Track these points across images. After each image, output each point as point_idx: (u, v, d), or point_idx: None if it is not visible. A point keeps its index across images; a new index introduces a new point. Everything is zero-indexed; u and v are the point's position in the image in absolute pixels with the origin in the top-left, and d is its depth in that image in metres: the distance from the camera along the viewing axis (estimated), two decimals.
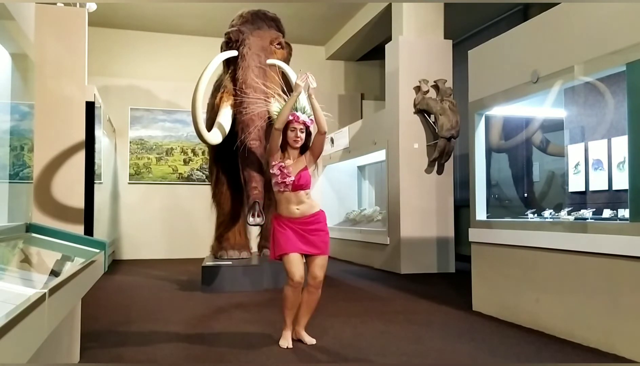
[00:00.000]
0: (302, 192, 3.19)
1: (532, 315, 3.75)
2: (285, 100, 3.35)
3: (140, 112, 9.18)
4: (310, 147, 3.27)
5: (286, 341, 3.21)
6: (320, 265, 3.20)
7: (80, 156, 4.35)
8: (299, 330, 3.32)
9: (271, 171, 3.23)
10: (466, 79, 4.72)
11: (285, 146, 3.24)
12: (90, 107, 4.94)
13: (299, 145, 3.21)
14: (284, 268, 3.18)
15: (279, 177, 3.15)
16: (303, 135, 3.21)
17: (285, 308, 3.22)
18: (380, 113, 8.01)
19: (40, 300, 1.20)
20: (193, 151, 9.39)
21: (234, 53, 5.35)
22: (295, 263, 3.14)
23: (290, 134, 3.19)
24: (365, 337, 3.44)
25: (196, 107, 4.90)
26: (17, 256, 2.11)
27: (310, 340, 3.29)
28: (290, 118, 3.18)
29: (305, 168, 3.20)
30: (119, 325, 3.82)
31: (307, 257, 3.23)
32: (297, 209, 3.18)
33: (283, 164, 3.17)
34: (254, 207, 5.00)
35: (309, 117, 3.24)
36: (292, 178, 3.14)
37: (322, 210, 3.29)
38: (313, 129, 3.30)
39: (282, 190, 3.17)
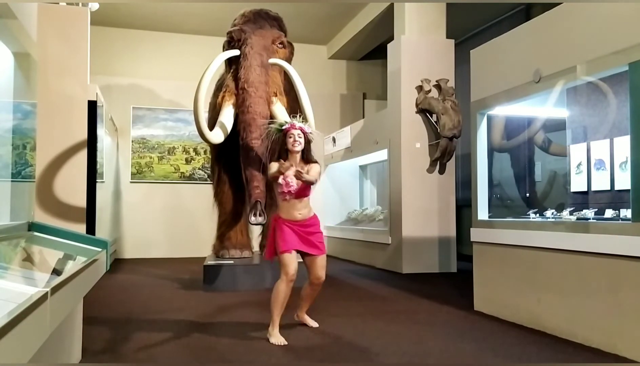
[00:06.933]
0: (305, 199, 3.40)
1: (534, 315, 3.74)
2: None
3: (143, 111, 9.19)
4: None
5: (278, 339, 3.25)
6: (321, 265, 3.49)
7: (83, 155, 4.35)
8: (302, 314, 3.67)
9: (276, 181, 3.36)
10: (468, 78, 4.71)
11: (286, 152, 3.39)
12: (92, 106, 4.93)
13: (298, 148, 3.36)
14: (280, 264, 3.36)
15: (283, 186, 3.26)
16: (301, 140, 3.37)
17: (275, 302, 3.34)
18: (382, 113, 8.01)
19: (42, 299, 1.20)
20: (195, 150, 9.40)
21: (236, 52, 5.35)
22: (292, 259, 3.36)
23: (289, 140, 3.36)
24: (366, 337, 3.44)
25: (198, 106, 4.91)
26: (19, 255, 2.11)
27: (313, 323, 3.65)
28: (287, 126, 3.36)
29: None
30: (121, 324, 3.83)
31: (307, 257, 3.47)
32: (299, 214, 3.38)
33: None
34: (255, 206, 5.00)
35: (304, 124, 3.42)
36: (296, 186, 3.27)
37: (316, 215, 3.52)
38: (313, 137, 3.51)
39: (287, 198, 3.33)
